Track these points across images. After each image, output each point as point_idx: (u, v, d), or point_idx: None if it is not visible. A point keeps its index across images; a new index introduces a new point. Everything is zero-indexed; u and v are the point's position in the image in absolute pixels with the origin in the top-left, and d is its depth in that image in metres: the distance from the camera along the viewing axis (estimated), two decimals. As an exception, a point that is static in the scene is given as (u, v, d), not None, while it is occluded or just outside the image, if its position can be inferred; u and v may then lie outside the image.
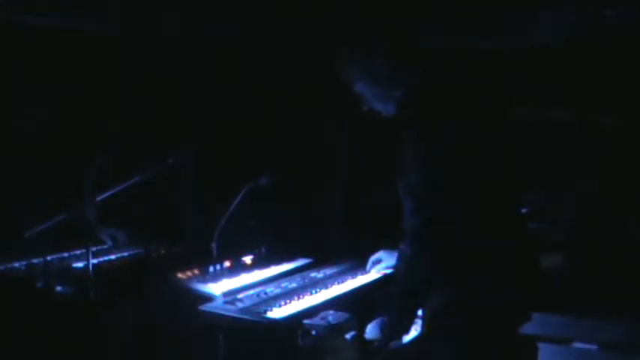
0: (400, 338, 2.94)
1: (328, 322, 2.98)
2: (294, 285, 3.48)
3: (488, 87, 3.29)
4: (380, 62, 3.00)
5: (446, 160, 2.77)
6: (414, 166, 2.76)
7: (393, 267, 3.01)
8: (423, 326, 2.96)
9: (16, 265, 3.52)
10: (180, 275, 3.42)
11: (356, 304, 3.18)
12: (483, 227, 2.83)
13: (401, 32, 3.09)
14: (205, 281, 3.37)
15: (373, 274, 3.67)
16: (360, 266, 3.75)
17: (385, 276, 3.61)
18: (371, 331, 2.94)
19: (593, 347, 3.98)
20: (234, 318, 3.02)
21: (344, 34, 3.23)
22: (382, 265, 3.71)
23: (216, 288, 3.29)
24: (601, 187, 5.80)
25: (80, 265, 3.52)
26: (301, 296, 3.26)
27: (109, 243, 4.04)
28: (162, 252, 3.92)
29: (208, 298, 3.21)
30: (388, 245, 3.53)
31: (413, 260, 2.77)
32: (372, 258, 3.75)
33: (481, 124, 2.95)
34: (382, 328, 2.87)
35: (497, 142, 3.00)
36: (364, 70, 3.04)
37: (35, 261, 3.51)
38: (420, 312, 2.96)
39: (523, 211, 4.93)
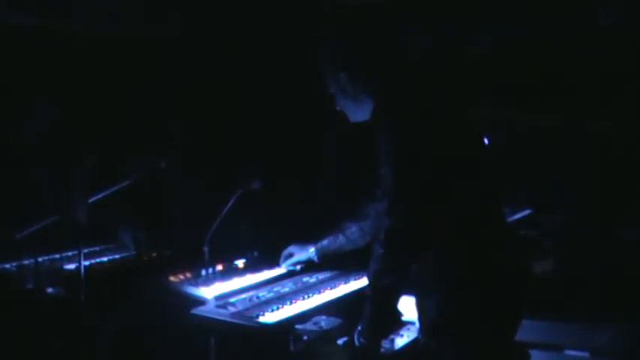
0: (380, 339, 2.93)
1: (320, 327, 2.98)
2: (286, 289, 3.47)
3: (462, 93, 3.30)
4: (344, 79, 3.02)
5: (418, 162, 2.77)
6: (387, 167, 2.77)
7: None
8: (420, 332, 2.95)
9: (7, 266, 3.50)
10: (171, 278, 3.40)
11: (348, 309, 3.17)
12: (473, 233, 2.83)
13: (366, 50, 3.09)
14: (197, 284, 3.35)
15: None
16: (353, 271, 3.74)
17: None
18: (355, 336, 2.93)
19: (584, 354, 3.99)
20: (225, 322, 3.01)
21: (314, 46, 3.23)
22: (294, 259, 3.76)
23: (208, 292, 3.27)
24: (591, 193, 5.82)
25: (71, 266, 3.51)
26: (293, 301, 3.25)
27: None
28: (154, 254, 3.90)
29: (200, 301, 3.20)
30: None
31: (384, 260, 2.77)
32: (285, 252, 3.79)
33: (452, 128, 2.95)
34: (361, 331, 2.87)
35: (473, 145, 3.01)
36: (332, 80, 3.07)
37: (26, 262, 3.49)
38: (416, 319, 2.95)
39: (516, 217, 4.99)
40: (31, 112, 4.15)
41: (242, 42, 4.92)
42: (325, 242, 3.71)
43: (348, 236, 3.63)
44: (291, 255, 3.78)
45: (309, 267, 3.80)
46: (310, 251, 3.74)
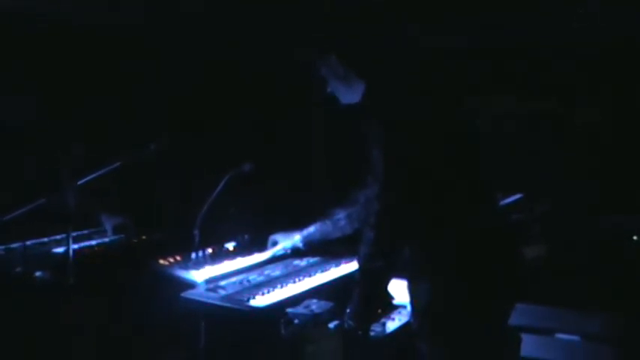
0: (368, 323, 2.92)
1: (311, 311, 2.96)
2: (277, 273, 3.45)
3: (449, 81, 3.28)
4: (334, 60, 3.00)
5: (409, 145, 2.75)
6: (378, 150, 2.75)
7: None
8: (411, 316, 2.93)
9: (-5, 249, 3.47)
10: (161, 262, 3.39)
11: (340, 293, 3.15)
12: (463, 217, 2.82)
13: (353, 40, 3.07)
14: (187, 268, 3.33)
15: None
16: (344, 255, 3.71)
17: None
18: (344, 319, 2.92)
19: (575, 338, 4.00)
20: (216, 305, 3.00)
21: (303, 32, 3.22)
22: (279, 246, 3.72)
23: (199, 275, 3.25)
24: (580, 180, 5.84)
25: (60, 250, 3.48)
26: (284, 284, 3.24)
27: (110, 234, 3.97)
28: (144, 238, 3.87)
29: (190, 285, 3.18)
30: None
31: (374, 243, 2.76)
32: (269, 240, 3.76)
33: (441, 115, 2.93)
34: (349, 314, 2.85)
35: (461, 133, 2.99)
36: (323, 62, 3.05)
37: (14, 246, 3.46)
38: (408, 302, 2.93)
39: (507, 202, 4.99)
40: (19, 97, 4.11)
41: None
42: (311, 230, 3.68)
43: (335, 223, 3.60)
44: (275, 243, 3.75)
45: (295, 254, 3.77)
46: (295, 239, 3.70)
